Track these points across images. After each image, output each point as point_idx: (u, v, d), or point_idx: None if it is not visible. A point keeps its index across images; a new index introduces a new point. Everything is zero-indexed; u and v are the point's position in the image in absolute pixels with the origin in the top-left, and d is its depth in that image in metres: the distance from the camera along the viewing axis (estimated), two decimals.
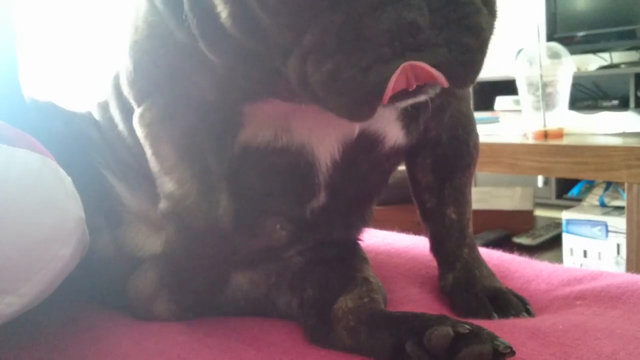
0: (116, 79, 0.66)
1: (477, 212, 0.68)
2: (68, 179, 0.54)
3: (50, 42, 2.66)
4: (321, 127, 0.57)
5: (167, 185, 0.57)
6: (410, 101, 0.45)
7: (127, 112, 0.64)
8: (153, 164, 0.58)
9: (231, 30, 0.46)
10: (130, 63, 0.58)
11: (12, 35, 0.64)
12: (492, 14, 0.43)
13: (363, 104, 0.42)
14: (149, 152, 0.58)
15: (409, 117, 0.60)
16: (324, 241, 0.66)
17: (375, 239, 0.84)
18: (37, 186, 0.50)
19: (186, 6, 0.50)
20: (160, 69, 0.56)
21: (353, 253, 0.69)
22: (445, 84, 0.41)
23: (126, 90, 0.61)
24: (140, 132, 0.58)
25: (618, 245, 1.71)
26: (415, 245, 0.81)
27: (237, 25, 0.46)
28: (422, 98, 0.44)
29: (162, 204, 0.58)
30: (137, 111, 0.58)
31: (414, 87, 0.41)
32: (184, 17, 0.50)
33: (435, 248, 0.67)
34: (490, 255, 0.73)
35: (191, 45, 0.51)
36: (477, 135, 0.67)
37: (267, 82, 0.50)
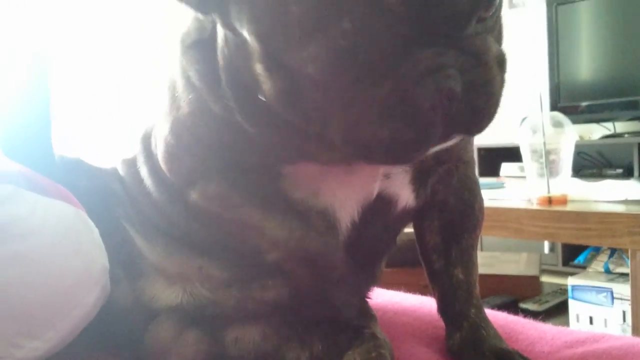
0: (145, 139, 0.70)
1: (484, 277, 0.70)
2: (96, 231, 0.57)
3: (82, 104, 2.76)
4: (344, 191, 0.60)
5: (266, 237, 0.60)
6: (439, 147, 0.50)
7: (155, 172, 0.67)
8: (237, 229, 0.61)
9: (273, 104, 0.50)
10: (172, 139, 0.62)
11: (46, 96, 0.69)
12: (503, 70, 0.48)
13: (408, 157, 0.48)
14: (227, 220, 0.61)
15: (419, 182, 0.64)
16: None
17: (383, 298, 0.86)
18: (70, 236, 0.53)
19: (224, 81, 0.53)
20: (203, 142, 0.60)
21: (361, 310, 0.71)
22: None
23: (166, 167, 0.64)
24: (209, 204, 0.61)
25: (624, 312, 1.70)
26: (422, 305, 0.83)
27: (282, 101, 0.49)
28: (450, 143, 0.50)
29: (272, 256, 0.60)
30: (195, 191, 0.62)
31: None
32: (220, 92, 0.54)
33: (442, 308, 0.69)
34: (496, 317, 0.75)
35: (228, 117, 0.55)
36: (482, 199, 0.70)
37: (300, 147, 0.55)
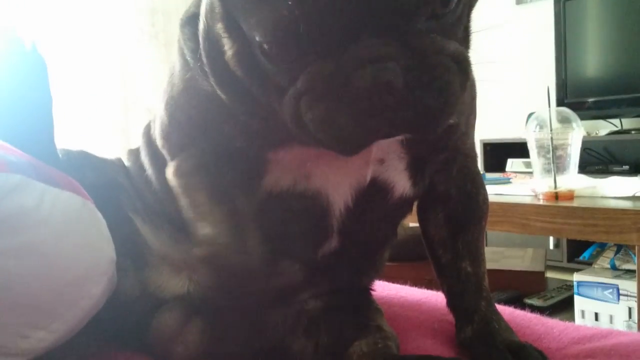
0: (147, 128, 0.71)
1: (489, 272, 0.69)
2: (104, 222, 0.57)
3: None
4: (336, 174, 0.60)
5: (202, 229, 0.59)
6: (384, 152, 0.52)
7: (155, 159, 0.68)
8: (189, 212, 0.61)
9: (234, 68, 0.51)
10: (165, 116, 0.63)
11: (47, 92, 0.68)
12: (463, 72, 0.47)
13: (350, 147, 0.47)
14: (185, 201, 0.61)
15: (415, 169, 0.63)
16: (336, 286, 0.68)
17: (388, 292, 0.86)
18: (77, 227, 0.53)
19: (201, 45, 0.55)
20: (192, 120, 0.60)
21: (367, 303, 0.71)
22: None
23: (160, 143, 0.65)
24: (175, 183, 0.62)
25: (630, 309, 1.70)
26: (428, 299, 0.83)
27: (240, 64, 0.50)
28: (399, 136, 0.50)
29: (198, 247, 0.60)
30: (172, 164, 0.62)
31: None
32: (198, 56, 0.55)
33: (452, 302, 0.69)
34: (502, 312, 0.74)
35: (216, 94, 0.56)
36: (485, 191, 0.70)
37: (267, 120, 0.55)
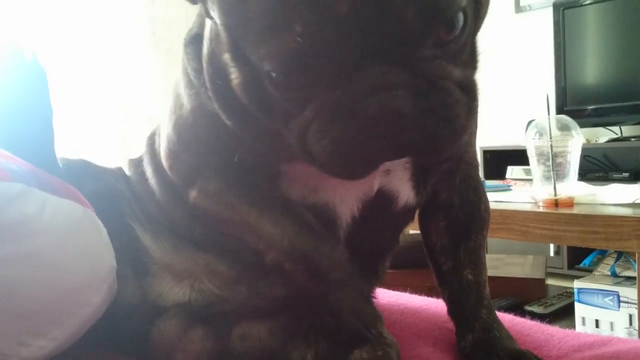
0: (151, 139, 0.71)
1: (489, 279, 0.70)
2: (104, 230, 0.57)
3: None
4: (343, 186, 0.61)
5: (261, 237, 0.60)
6: (390, 162, 0.54)
7: (159, 170, 0.68)
8: (237, 228, 0.62)
9: (240, 96, 0.52)
10: (174, 136, 0.63)
11: (47, 101, 0.68)
12: (472, 98, 0.47)
13: (356, 173, 0.49)
14: (225, 221, 0.62)
15: (418, 179, 0.64)
16: None
17: (389, 299, 0.86)
18: (78, 235, 0.53)
19: (205, 70, 0.55)
20: (201, 141, 0.61)
21: (367, 314, 0.71)
22: None
23: (167, 163, 0.65)
24: (206, 206, 0.62)
25: (630, 316, 1.70)
26: (428, 306, 0.83)
27: (246, 92, 0.51)
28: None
29: (269, 256, 0.60)
30: (193, 191, 0.63)
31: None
32: (202, 81, 0.55)
33: (452, 310, 0.69)
34: (502, 319, 0.74)
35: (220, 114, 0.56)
36: (487, 199, 0.70)
37: (272, 143, 0.55)
